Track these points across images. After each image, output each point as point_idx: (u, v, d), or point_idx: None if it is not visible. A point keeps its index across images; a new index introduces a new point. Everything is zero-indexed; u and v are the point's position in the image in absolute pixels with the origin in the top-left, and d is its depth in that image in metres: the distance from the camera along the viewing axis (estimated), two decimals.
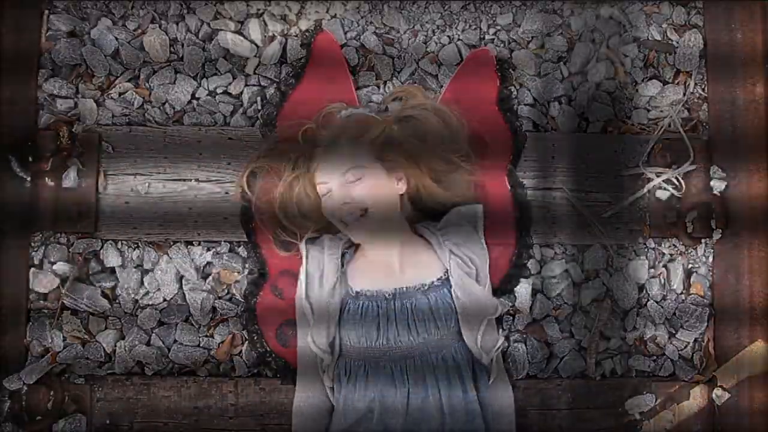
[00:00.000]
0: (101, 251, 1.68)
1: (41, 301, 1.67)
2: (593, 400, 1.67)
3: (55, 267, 1.67)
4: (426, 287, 1.55)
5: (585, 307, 1.70)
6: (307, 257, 1.58)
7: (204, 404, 1.64)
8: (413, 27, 1.76)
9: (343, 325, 1.54)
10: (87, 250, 1.67)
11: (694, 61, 1.76)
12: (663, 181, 1.71)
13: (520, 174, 1.70)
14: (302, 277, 1.57)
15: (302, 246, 1.59)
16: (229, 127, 1.71)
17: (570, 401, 1.66)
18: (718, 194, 1.72)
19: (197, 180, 1.69)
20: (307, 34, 1.73)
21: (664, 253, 1.73)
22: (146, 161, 1.69)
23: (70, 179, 1.66)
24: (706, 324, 1.70)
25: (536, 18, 1.75)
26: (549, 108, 1.74)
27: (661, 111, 1.76)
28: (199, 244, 1.69)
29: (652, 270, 1.72)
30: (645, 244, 1.72)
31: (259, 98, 1.72)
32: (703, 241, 1.73)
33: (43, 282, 1.66)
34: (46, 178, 1.66)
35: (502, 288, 1.67)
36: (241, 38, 1.73)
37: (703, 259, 1.73)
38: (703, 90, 1.77)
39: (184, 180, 1.69)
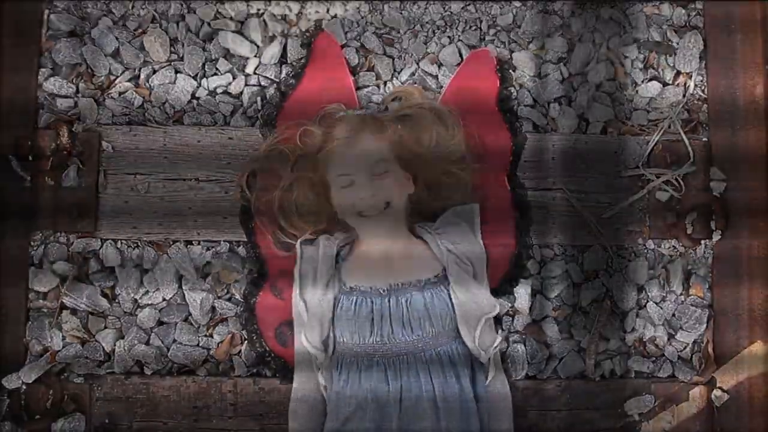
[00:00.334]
0: (101, 250, 1.68)
1: (41, 300, 1.67)
2: (592, 401, 1.67)
3: (54, 266, 1.67)
4: (422, 283, 1.55)
5: (584, 307, 1.70)
6: (301, 256, 1.58)
7: (203, 404, 1.64)
8: (413, 27, 1.77)
9: (336, 322, 1.54)
10: (86, 249, 1.67)
11: (694, 62, 1.76)
12: (663, 182, 1.71)
13: (519, 174, 1.70)
14: (296, 275, 1.57)
15: (297, 246, 1.60)
16: (229, 127, 1.71)
17: (569, 402, 1.66)
18: (718, 195, 1.72)
19: (197, 179, 1.69)
20: (307, 34, 1.73)
21: (663, 254, 1.73)
22: (146, 161, 1.69)
23: (69, 178, 1.67)
24: (705, 325, 1.70)
25: (536, 19, 1.75)
26: (549, 109, 1.74)
27: (661, 112, 1.76)
28: (198, 244, 1.69)
29: (652, 271, 1.72)
30: (644, 245, 1.72)
31: (259, 98, 1.72)
32: (702, 242, 1.73)
33: (42, 281, 1.66)
34: (46, 178, 1.66)
35: (502, 288, 1.67)
36: (242, 38, 1.73)
37: (703, 260, 1.73)
38: (703, 91, 1.77)
39: (184, 179, 1.69)
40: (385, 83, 1.74)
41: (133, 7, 1.75)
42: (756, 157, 1.70)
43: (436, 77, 1.74)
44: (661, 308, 1.70)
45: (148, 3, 1.75)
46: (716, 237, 1.71)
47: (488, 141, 1.68)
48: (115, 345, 1.66)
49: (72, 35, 1.73)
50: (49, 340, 1.66)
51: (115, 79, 1.72)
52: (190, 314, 1.68)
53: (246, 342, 1.66)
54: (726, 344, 1.69)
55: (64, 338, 1.67)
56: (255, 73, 1.73)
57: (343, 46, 1.73)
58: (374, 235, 1.57)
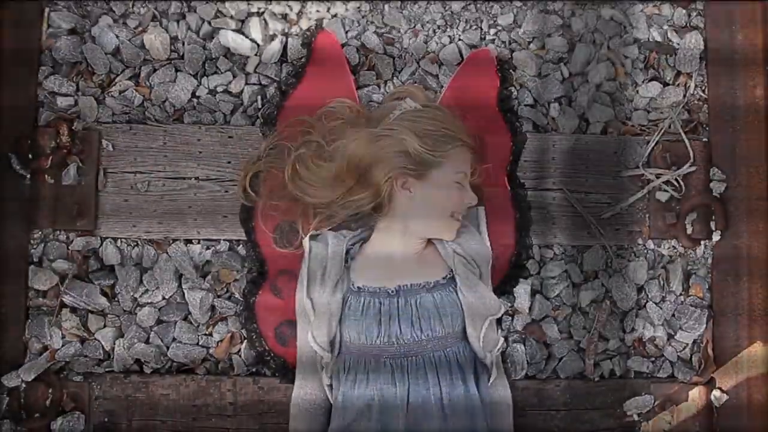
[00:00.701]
0: (100, 249, 1.68)
1: (40, 299, 1.67)
2: (592, 401, 1.67)
3: (54, 264, 1.67)
4: (431, 285, 1.55)
5: (584, 307, 1.70)
6: (310, 253, 1.58)
7: (202, 403, 1.64)
8: (414, 27, 1.77)
9: (344, 321, 1.53)
10: (86, 247, 1.67)
11: (695, 62, 1.76)
12: (663, 182, 1.71)
13: (520, 174, 1.70)
14: (304, 273, 1.57)
15: (306, 242, 1.59)
16: (229, 126, 1.71)
17: (568, 402, 1.66)
18: (718, 196, 1.72)
19: (197, 178, 1.69)
20: (307, 33, 1.73)
21: (663, 255, 1.73)
22: (146, 159, 1.69)
23: (69, 177, 1.66)
24: (705, 325, 1.70)
25: (537, 19, 1.75)
26: (549, 109, 1.74)
27: (662, 112, 1.76)
28: (198, 243, 1.69)
29: (652, 271, 1.72)
30: (644, 245, 1.73)
31: (259, 97, 1.72)
32: (702, 242, 1.73)
33: (42, 279, 1.66)
34: (46, 176, 1.66)
35: (502, 288, 1.66)
36: (242, 37, 1.73)
37: (703, 260, 1.73)
38: (704, 91, 1.77)
39: (184, 178, 1.69)
40: (385, 82, 1.73)
41: (133, 5, 1.75)
42: (756, 157, 1.70)
43: (436, 76, 1.74)
44: (661, 308, 1.70)
45: (149, 1, 1.75)
46: (716, 237, 1.71)
47: (488, 141, 1.68)
48: (114, 343, 1.66)
49: (72, 33, 1.73)
50: (49, 338, 1.66)
51: (115, 78, 1.72)
52: (190, 313, 1.68)
53: (245, 341, 1.66)
54: (725, 345, 1.69)
55: (63, 337, 1.66)
56: (255, 72, 1.73)
57: (343, 45, 1.73)
58: (392, 236, 1.58)
